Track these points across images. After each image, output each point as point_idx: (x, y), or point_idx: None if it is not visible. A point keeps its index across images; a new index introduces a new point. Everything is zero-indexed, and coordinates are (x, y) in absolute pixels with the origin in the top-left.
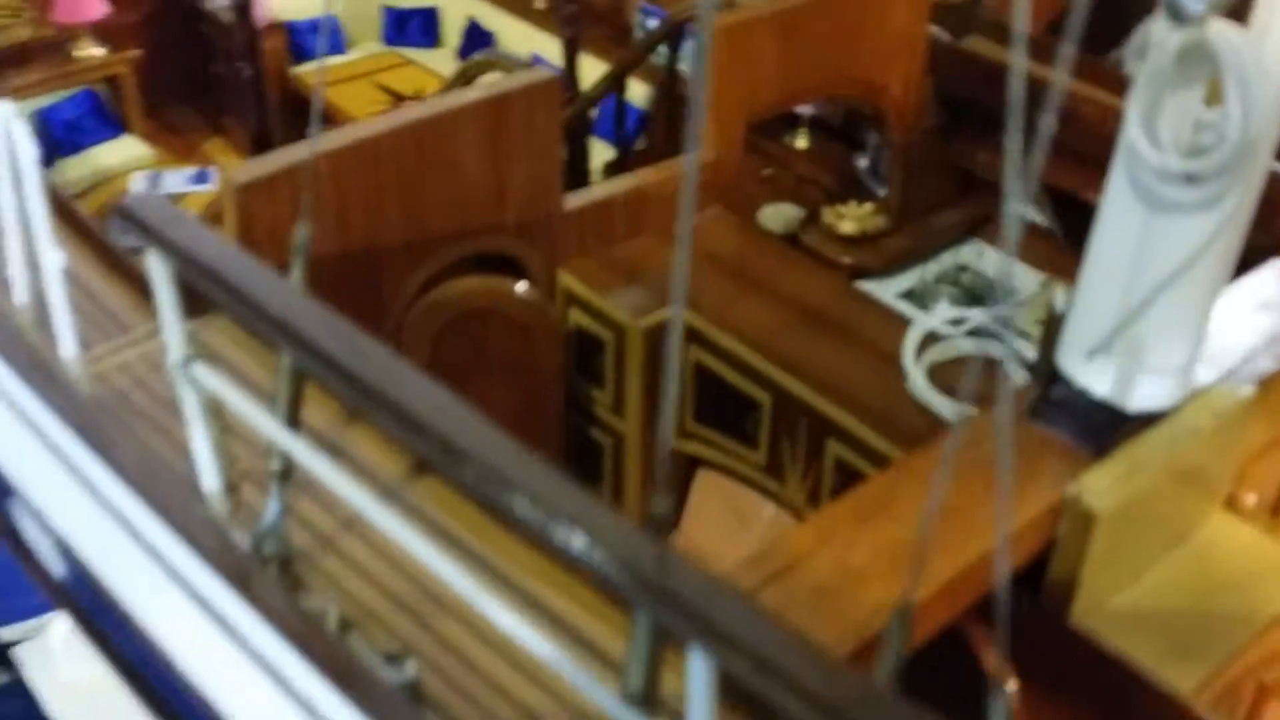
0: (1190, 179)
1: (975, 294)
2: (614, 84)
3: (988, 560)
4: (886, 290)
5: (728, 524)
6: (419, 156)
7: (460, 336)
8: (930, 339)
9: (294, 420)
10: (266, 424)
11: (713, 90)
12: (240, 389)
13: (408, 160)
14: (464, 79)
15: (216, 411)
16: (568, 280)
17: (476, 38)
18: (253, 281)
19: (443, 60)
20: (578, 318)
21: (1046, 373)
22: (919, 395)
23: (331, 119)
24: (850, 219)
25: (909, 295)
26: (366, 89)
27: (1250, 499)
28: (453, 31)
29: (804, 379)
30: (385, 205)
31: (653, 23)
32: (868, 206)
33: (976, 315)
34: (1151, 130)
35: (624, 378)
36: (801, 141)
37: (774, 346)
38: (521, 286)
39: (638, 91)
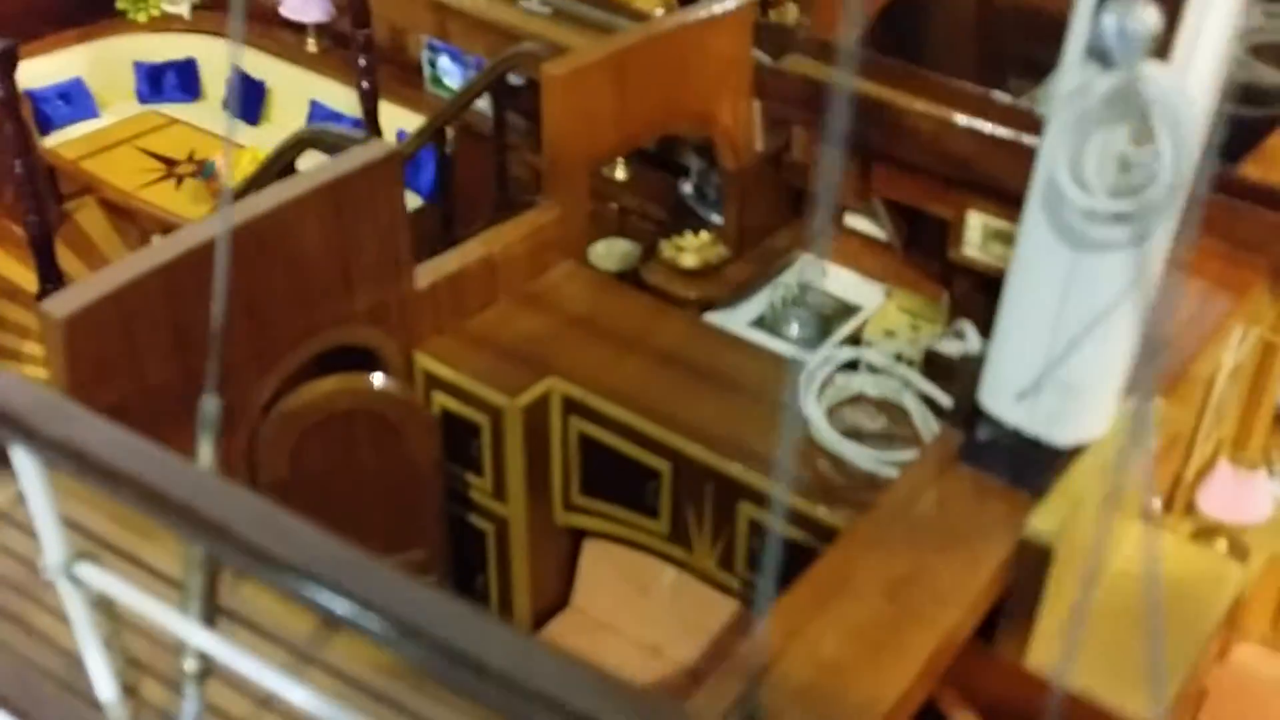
0: (1119, 218)
1: (824, 314)
2: (433, 135)
3: (961, 628)
4: (736, 320)
5: (624, 592)
6: (260, 255)
7: (321, 444)
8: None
9: (210, 615)
10: (179, 624)
11: (553, 142)
12: (135, 582)
13: (247, 261)
14: (283, 160)
15: (106, 608)
16: (427, 363)
17: (243, 88)
18: (158, 472)
19: (207, 114)
20: (444, 402)
21: (967, 415)
22: (830, 446)
23: (96, 193)
24: (691, 251)
25: (760, 323)
26: (131, 156)
27: (1156, 504)
28: (214, 82)
29: (702, 441)
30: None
31: (445, 61)
32: (705, 236)
33: (873, 354)
34: (1077, 172)
35: (503, 460)
36: (620, 173)
37: (662, 410)
38: (379, 379)
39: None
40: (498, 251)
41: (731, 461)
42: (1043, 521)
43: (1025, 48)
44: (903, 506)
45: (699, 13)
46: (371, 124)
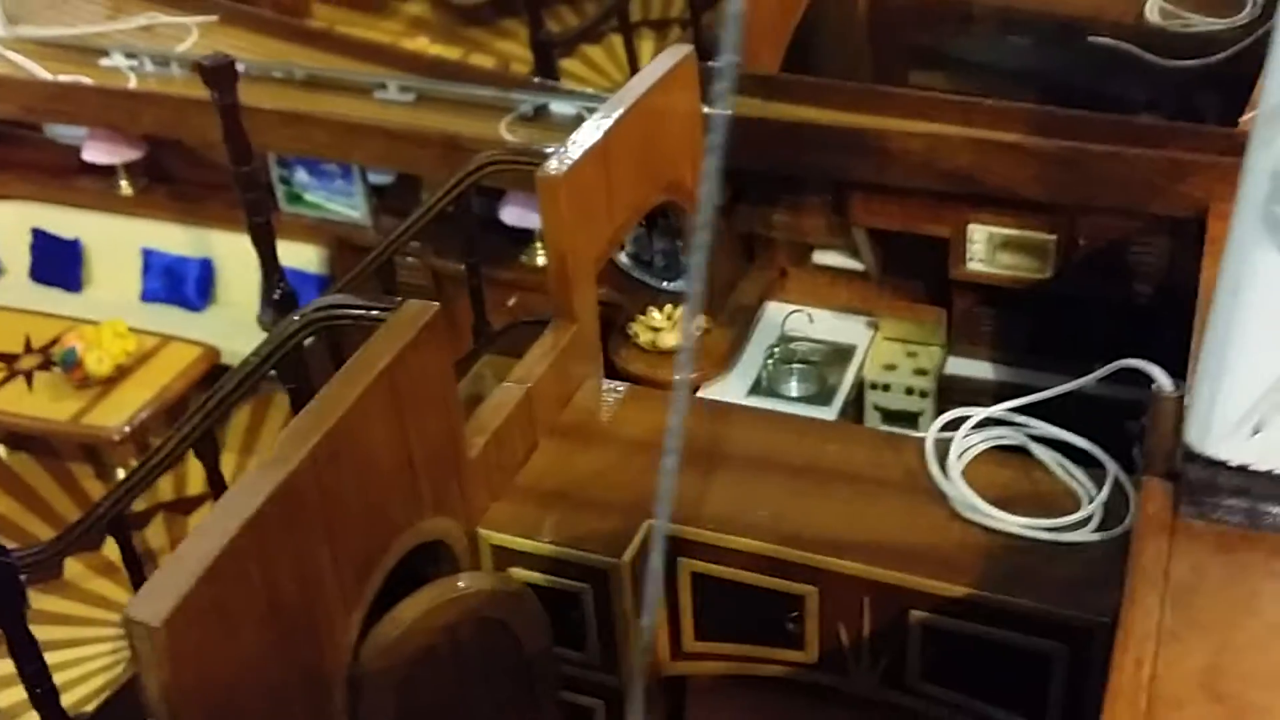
0: None
1: (818, 362)
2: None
3: None
4: (732, 392)
5: None
6: (332, 472)
7: (426, 671)
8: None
9: None
10: None
11: (559, 252)
12: None
13: (321, 484)
14: (283, 347)
15: None
16: (497, 538)
17: (51, 251)
18: None
19: (14, 291)
20: (526, 577)
21: (1172, 463)
22: (983, 520)
23: None
24: (670, 330)
25: (757, 389)
26: None
27: None
28: (15, 250)
29: (850, 554)
30: (315, 553)
31: (301, 175)
32: (679, 310)
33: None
34: None
35: (613, 626)
36: (543, 258)
37: (786, 527)
38: (474, 580)
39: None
40: (533, 388)
41: (890, 569)
42: None
43: (922, 39)
44: (1156, 583)
45: (655, 73)
46: (270, 263)
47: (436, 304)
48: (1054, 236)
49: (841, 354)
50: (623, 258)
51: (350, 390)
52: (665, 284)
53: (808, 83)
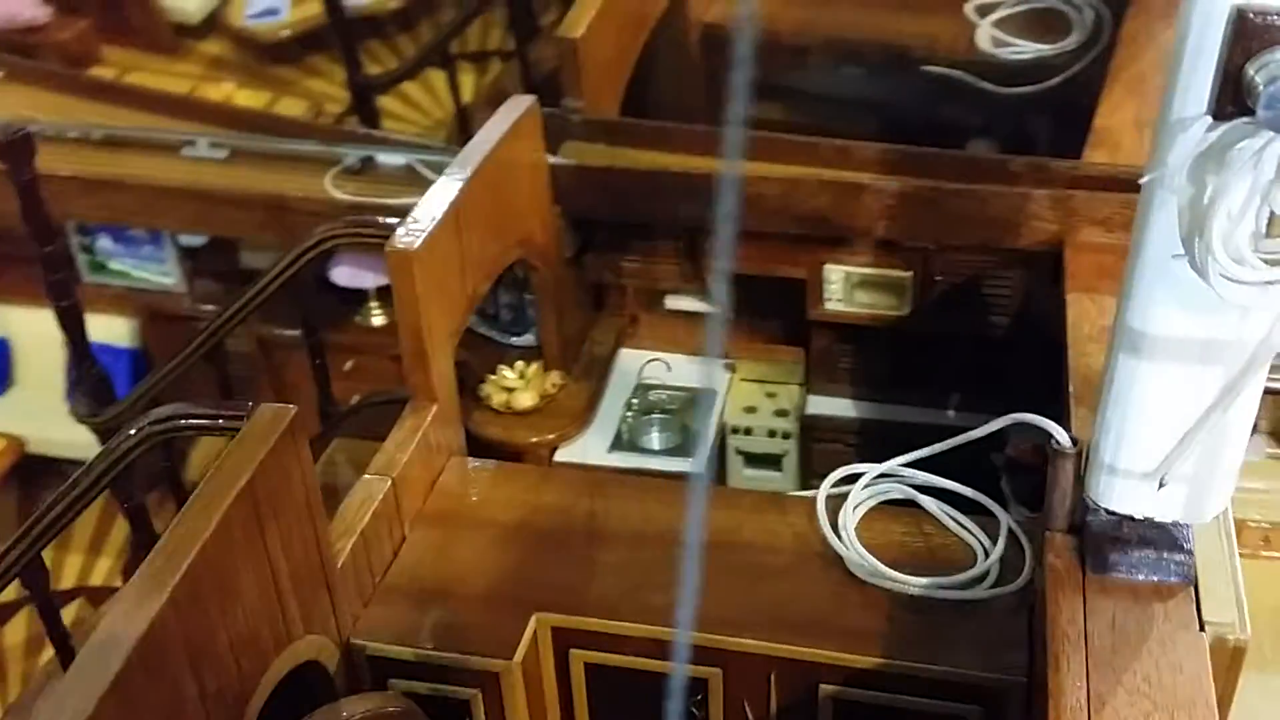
0: (1268, 282)
1: (677, 410)
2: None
3: None
4: (593, 451)
5: None
6: (202, 616)
7: None
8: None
9: None
10: None
11: (414, 327)
12: None
13: (192, 627)
14: (118, 466)
15: None
16: (374, 648)
17: None
18: None
19: None
20: (407, 688)
21: (1076, 519)
22: (882, 583)
23: None
24: (524, 389)
25: (619, 444)
26: None
27: None
28: None
29: (752, 632)
30: (183, 703)
31: (105, 242)
32: (532, 367)
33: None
34: (1211, 238)
35: None
36: (378, 317)
37: (673, 609)
38: (353, 705)
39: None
40: (398, 478)
41: (795, 644)
42: (1222, 613)
43: (757, 73)
44: (1078, 646)
45: (500, 128)
46: (81, 349)
47: (293, 407)
48: (910, 273)
49: (700, 400)
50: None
51: (207, 519)
52: (513, 339)
53: (654, 127)
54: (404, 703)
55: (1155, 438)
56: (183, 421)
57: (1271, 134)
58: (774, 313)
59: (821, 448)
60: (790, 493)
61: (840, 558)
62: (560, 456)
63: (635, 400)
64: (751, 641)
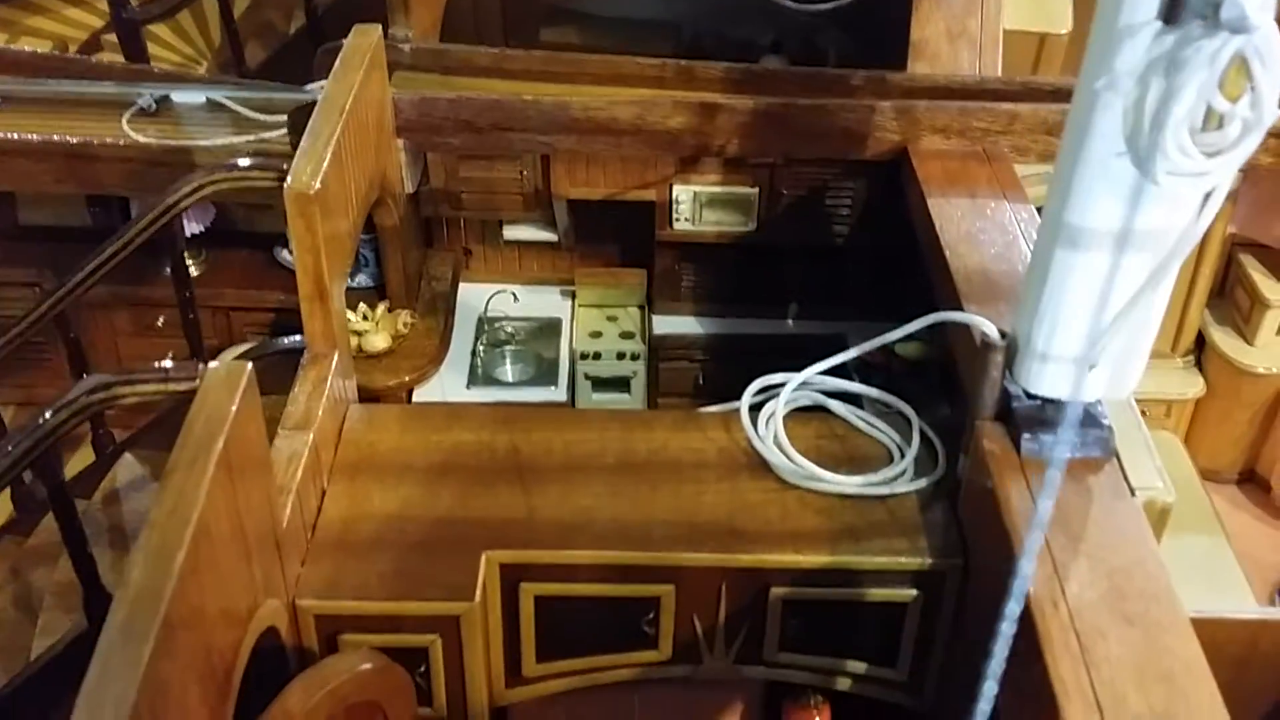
0: (1202, 174)
1: (527, 341)
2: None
3: None
4: (452, 389)
5: None
6: (199, 591)
7: None
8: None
9: None
10: None
11: (312, 270)
12: None
13: (193, 604)
14: (49, 439)
15: None
16: (323, 606)
17: None
18: None
19: None
20: (362, 642)
21: (1003, 406)
22: (814, 485)
23: None
24: (375, 332)
25: (475, 378)
26: None
27: None
28: None
29: (704, 545)
30: (187, 685)
31: None
32: (379, 308)
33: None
34: (1160, 131)
35: (466, 674)
36: (195, 268)
37: (631, 531)
38: (341, 665)
39: None
40: (316, 434)
41: (746, 552)
42: (1148, 480)
43: None
44: (1029, 518)
45: (357, 59)
46: None
47: (247, 364)
48: (756, 190)
49: (547, 329)
50: (286, 255)
51: (196, 490)
52: (349, 281)
53: (490, 54)
54: (382, 659)
55: (1086, 324)
56: (125, 389)
57: (1228, 34)
58: (616, 237)
59: (669, 366)
60: (702, 409)
61: (768, 466)
62: (419, 397)
63: (484, 334)
64: (705, 555)
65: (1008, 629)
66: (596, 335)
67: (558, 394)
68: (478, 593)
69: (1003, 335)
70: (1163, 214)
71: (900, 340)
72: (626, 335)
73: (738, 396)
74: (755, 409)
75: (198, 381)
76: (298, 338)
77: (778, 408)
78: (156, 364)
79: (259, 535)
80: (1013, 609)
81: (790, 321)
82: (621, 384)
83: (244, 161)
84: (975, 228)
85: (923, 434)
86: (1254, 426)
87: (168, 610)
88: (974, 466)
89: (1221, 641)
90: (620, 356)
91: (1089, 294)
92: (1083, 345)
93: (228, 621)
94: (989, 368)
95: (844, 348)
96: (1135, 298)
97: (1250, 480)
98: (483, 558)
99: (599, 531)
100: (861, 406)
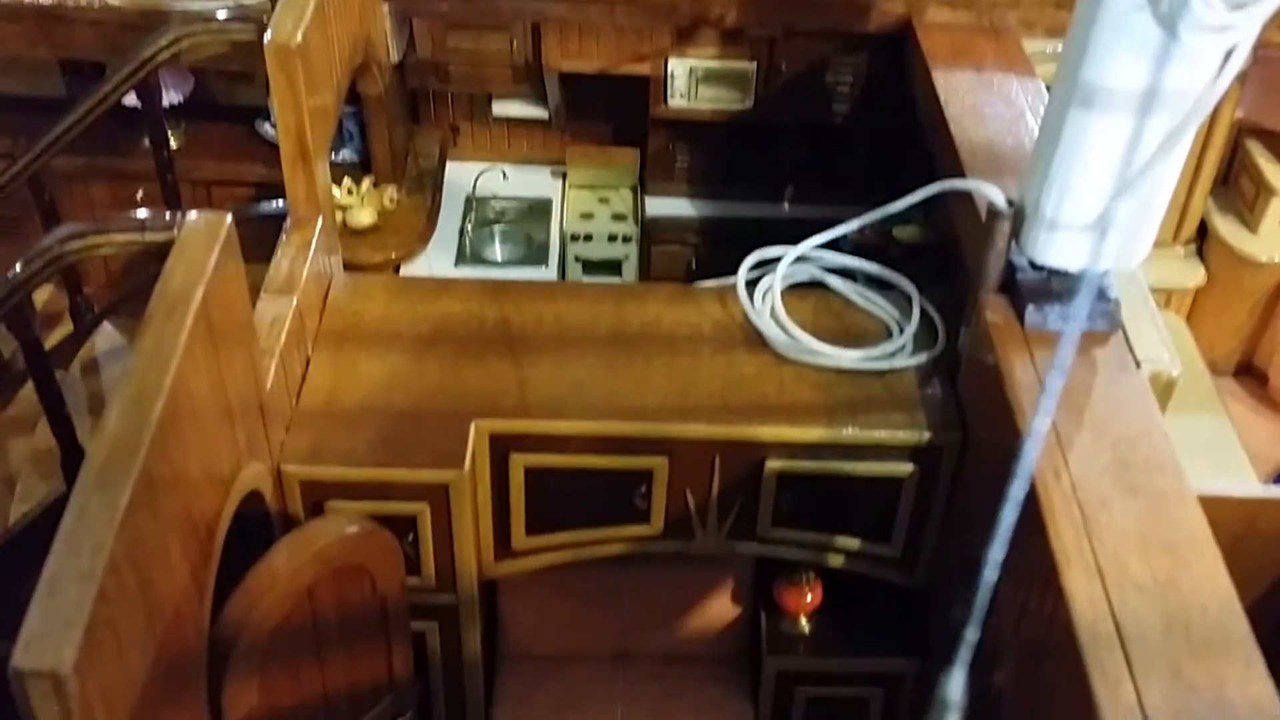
0: (1225, 27)
1: (517, 222)
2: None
3: None
4: (439, 265)
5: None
6: (180, 444)
7: (287, 630)
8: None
9: None
10: None
11: (293, 129)
12: None
13: (173, 458)
14: (22, 291)
15: None
16: (310, 472)
17: None
18: None
19: None
20: (343, 508)
21: (1009, 278)
22: (811, 359)
23: None
24: (361, 208)
25: (463, 257)
26: None
27: None
28: None
29: (698, 417)
30: (168, 540)
31: None
32: (364, 183)
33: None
34: None
35: (454, 542)
36: (171, 140)
37: (625, 402)
38: (328, 527)
39: None
40: (300, 299)
41: (741, 424)
42: (1154, 353)
43: None
44: (1036, 394)
45: None
46: None
47: (227, 215)
48: (755, 64)
49: (536, 209)
50: (267, 128)
51: (174, 339)
52: (333, 155)
53: None
54: (370, 523)
55: (1099, 189)
56: (100, 239)
57: None
58: (608, 115)
59: (661, 250)
60: (698, 284)
61: (765, 340)
62: (406, 274)
63: (473, 213)
64: (699, 427)
65: (1017, 492)
66: (588, 217)
67: (548, 275)
68: (467, 461)
69: (1010, 205)
70: (1182, 73)
71: (899, 223)
72: (618, 217)
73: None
74: (751, 284)
75: (176, 232)
76: (280, 202)
77: (775, 282)
78: (132, 214)
79: (242, 397)
80: (1019, 482)
81: (786, 205)
82: (613, 267)
83: (222, 14)
84: (981, 101)
85: (922, 310)
86: (1253, 317)
87: (145, 460)
88: (975, 340)
89: (1220, 520)
90: (612, 239)
91: (1103, 157)
92: (1094, 212)
93: (210, 482)
94: (995, 237)
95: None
96: (1150, 162)
97: (1247, 372)
98: (472, 426)
99: (592, 403)
100: (860, 284)
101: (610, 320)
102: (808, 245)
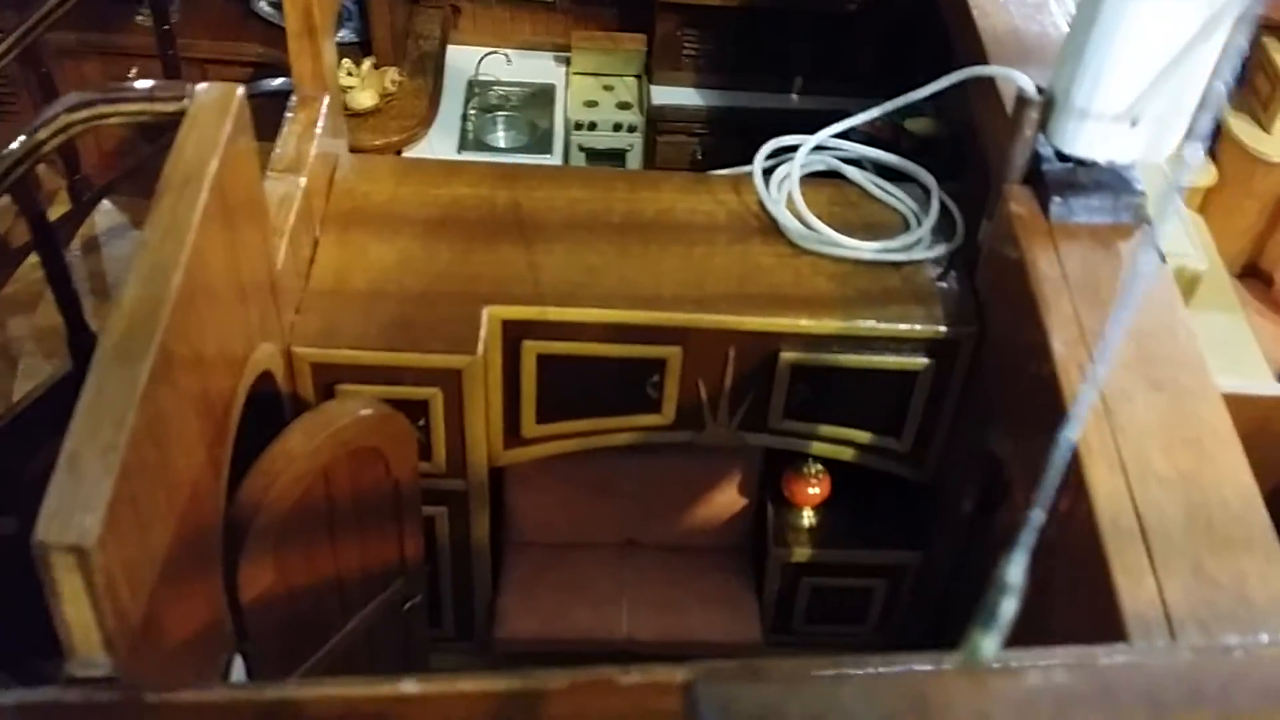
0: None
1: (520, 107)
2: None
3: None
4: (442, 148)
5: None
6: (196, 319)
7: (303, 510)
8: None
9: None
10: None
11: (305, 6)
12: None
13: (190, 333)
14: (27, 162)
15: None
16: (320, 355)
17: None
18: None
19: None
20: (354, 392)
21: (1033, 169)
22: (828, 249)
23: None
24: (362, 89)
25: (466, 143)
26: None
27: None
28: None
29: (713, 307)
30: (187, 415)
31: None
32: (365, 64)
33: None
34: None
35: (464, 427)
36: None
37: (638, 291)
38: (345, 408)
39: None
40: (308, 181)
41: (757, 314)
42: (1179, 247)
43: None
44: (1061, 287)
45: None
46: None
47: (238, 87)
48: None
49: (540, 95)
50: (264, 6)
51: (189, 212)
52: (344, 34)
53: None
54: (384, 406)
55: (1133, 79)
56: (108, 108)
57: None
58: None
59: (666, 140)
60: (713, 172)
61: (780, 230)
62: (409, 156)
63: (475, 98)
64: (714, 317)
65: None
66: (592, 105)
67: (554, 162)
68: (480, 347)
69: (1040, 93)
70: None
71: (910, 115)
72: (623, 106)
73: None
74: (766, 174)
75: (186, 102)
76: (284, 80)
77: (793, 170)
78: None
79: (254, 275)
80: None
81: (794, 96)
82: (617, 156)
83: None
84: None
85: (940, 203)
86: (1262, 218)
87: (164, 334)
88: (997, 232)
89: (1235, 418)
90: (617, 128)
91: (1139, 45)
92: (1125, 102)
93: (225, 360)
94: (1023, 125)
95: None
96: (1186, 48)
97: (1254, 274)
98: (485, 312)
99: (606, 291)
100: (874, 175)
101: (623, 207)
102: (825, 134)
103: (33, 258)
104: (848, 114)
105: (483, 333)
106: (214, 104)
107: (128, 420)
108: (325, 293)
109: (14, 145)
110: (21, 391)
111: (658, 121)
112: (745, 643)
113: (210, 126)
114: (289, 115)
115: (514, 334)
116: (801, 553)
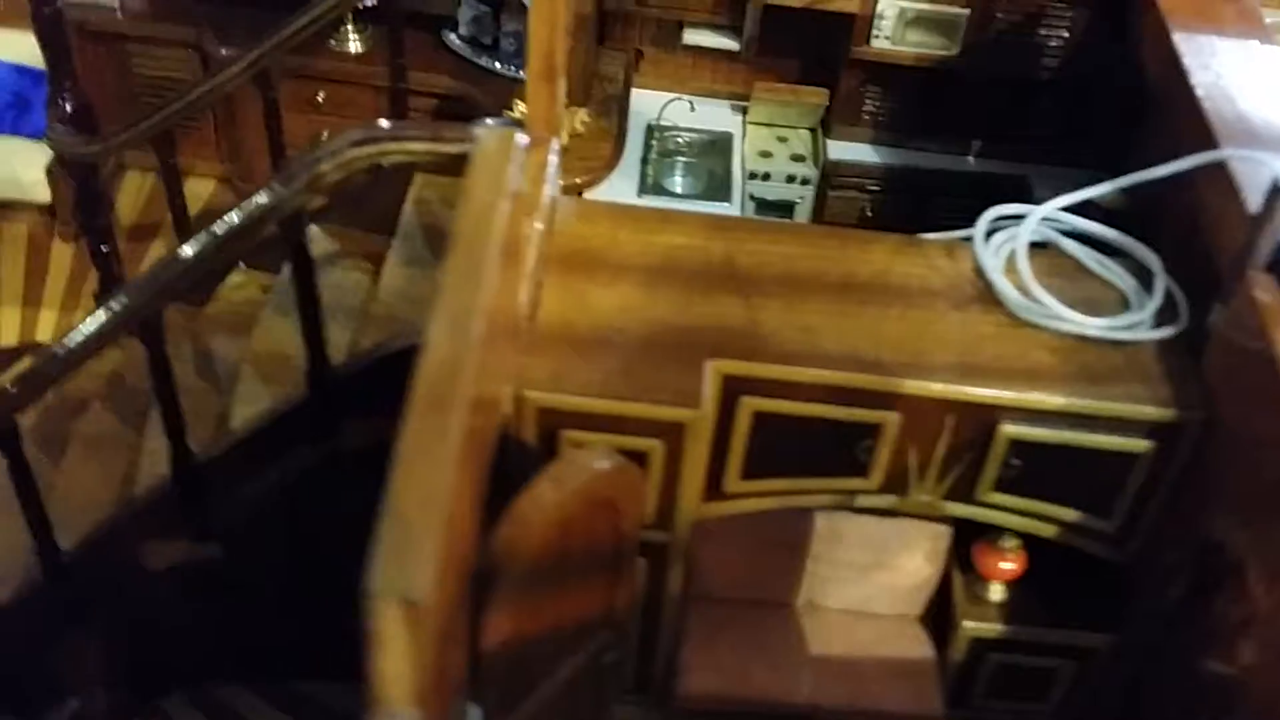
0: None
1: (699, 155)
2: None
3: None
4: (622, 193)
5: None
6: (479, 382)
7: (544, 569)
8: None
9: None
10: None
11: (548, 52)
12: None
13: (479, 371)
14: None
15: None
16: (547, 400)
17: None
18: None
19: None
20: (584, 440)
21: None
22: (1050, 322)
23: None
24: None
25: (645, 187)
26: None
27: None
28: None
29: (936, 375)
30: (469, 459)
31: None
32: None
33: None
34: None
35: (677, 481)
36: (356, 44)
37: (859, 354)
38: (589, 459)
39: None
40: (546, 220)
41: (978, 385)
42: None
43: None
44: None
45: None
46: (62, 68)
47: (515, 130)
48: (968, 10)
49: (718, 143)
50: (454, 39)
51: (484, 255)
52: (517, 70)
53: None
54: (622, 459)
55: None
56: (393, 145)
57: None
58: (799, 51)
59: (837, 195)
60: (924, 235)
61: (998, 299)
62: (590, 198)
63: (655, 143)
64: (936, 385)
65: None
66: (766, 155)
67: (732, 211)
68: (704, 401)
69: None
70: None
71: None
72: (797, 158)
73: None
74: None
75: (469, 145)
76: (510, 119)
77: (1020, 239)
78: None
79: (507, 318)
80: None
81: (971, 159)
82: (786, 208)
83: None
84: (1228, 68)
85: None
86: None
87: (470, 382)
88: (1235, 318)
89: None
90: (790, 180)
91: None
92: None
93: (491, 404)
94: (1275, 212)
95: (1026, 191)
96: None
97: None
98: (708, 366)
99: (826, 351)
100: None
101: (838, 267)
102: (1052, 206)
103: (232, 278)
104: (1025, 179)
105: (706, 386)
106: (498, 147)
107: (448, 471)
108: (552, 337)
109: (297, 173)
110: (242, 415)
111: (832, 175)
112: (926, 715)
113: (497, 170)
114: (526, 157)
115: (734, 389)
116: (990, 628)
